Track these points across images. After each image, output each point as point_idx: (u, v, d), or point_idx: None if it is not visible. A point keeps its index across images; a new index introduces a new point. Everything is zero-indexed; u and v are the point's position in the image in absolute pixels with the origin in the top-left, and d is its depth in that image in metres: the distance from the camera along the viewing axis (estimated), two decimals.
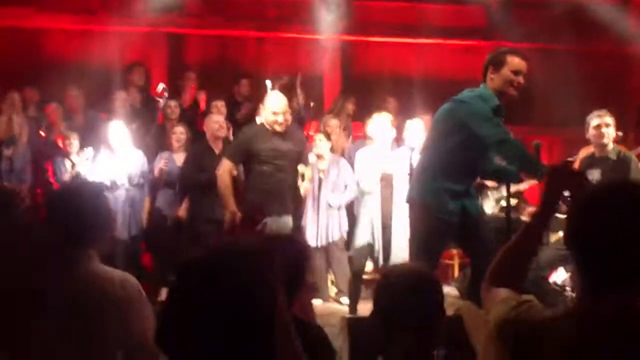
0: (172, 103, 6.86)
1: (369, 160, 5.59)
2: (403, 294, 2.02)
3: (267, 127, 5.27)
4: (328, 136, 6.41)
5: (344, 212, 6.30)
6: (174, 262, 6.47)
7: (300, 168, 5.49)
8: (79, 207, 2.33)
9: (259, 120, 5.97)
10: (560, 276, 6.37)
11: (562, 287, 6.41)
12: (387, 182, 5.54)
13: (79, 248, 2.32)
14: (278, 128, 5.21)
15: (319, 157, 6.18)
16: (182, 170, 6.34)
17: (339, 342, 4.00)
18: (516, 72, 3.97)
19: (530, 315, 1.67)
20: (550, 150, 8.69)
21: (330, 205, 6.20)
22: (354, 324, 3.42)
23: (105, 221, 2.43)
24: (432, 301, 2.06)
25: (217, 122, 6.32)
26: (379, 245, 5.55)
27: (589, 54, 8.46)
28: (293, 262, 2.07)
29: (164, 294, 6.33)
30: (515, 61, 3.97)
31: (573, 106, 7.17)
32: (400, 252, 5.44)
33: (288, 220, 5.36)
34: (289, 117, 5.39)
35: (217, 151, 6.18)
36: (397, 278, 2.09)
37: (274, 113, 5.20)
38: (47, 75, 7.85)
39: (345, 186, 6.21)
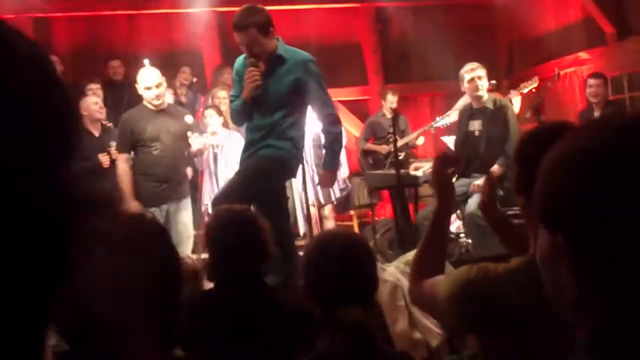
0: None
1: None
2: (340, 264, 1.83)
3: (149, 106, 5.07)
4: (218, 110, 6.28)
5: None
6: None
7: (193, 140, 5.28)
8: None
9: None
10: (454, 225, 6.63)
11: (457, 234, 6.67)
12: None
13: None
14: (155, 102, 4.99)
15: (212, 133, 6.06)
16: None
17: None
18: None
19: (486, 273, 1.66)
20: (433, 105, 8.98)
21: None
22: None
23: None
24: (370, 269, 1.92)
25: (96, 102, 6.02)
26: None
27: (457, 7, 8.76)
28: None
29: None
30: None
31: (449, 60, 7.43)
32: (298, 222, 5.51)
33: (187, 203, 5.27)
34: (164, 90, 5.20)
35: (96, 134, 5.86)
36: (330, 247, 1.89)
37: (147, 88, 4.98)
38: None
39: None
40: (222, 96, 6.60)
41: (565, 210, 0.87)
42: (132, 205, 4.99)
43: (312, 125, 5.90)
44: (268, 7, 8.27)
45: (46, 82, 0.49)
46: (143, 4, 8.08)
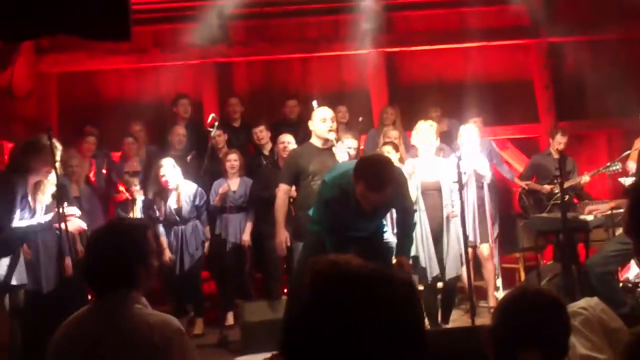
0: (217, 132, 6.89)
1: (408, 172, 5.58)
2: (545, 317, 1.96)
3: (316, 143, 5.29)
4: (395, 147, 6.24)
5: None
6: (237, 287, 6.63)
7: None
8: (117, 246, 2.28)
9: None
10: (633, 272, 6.17)
11: (635, 284, 6.19)
12: (433, 191, 5.49)
13: (119, 290, 2.26)
14: (328, 135, 5.19)
15: None
16: (251, 188, 6.55)
17: None
18: (363, 197, 4.15)
19: None
20: (610, 144, 8.48)
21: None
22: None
23: (146, 260, 2.33)
24: (563, 322, 2.02)
25: (283, 142, 6.47)
26: (426, 257, 5.39)
27: (637, 39, 8.24)
28: None
29: (230, 318, 6.46)
30: (361, 189, 4.11)
31: (628, 95, 6.99)
32: (454, 264, 5.41)
33: None
34: (336, 126, 5.35)
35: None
36: (530, 300, 2.03)
37: (323, 120, 5.22)
38: (106, 114, 8.17)
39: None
40: (394, 136, 6.68)
41: None
42: (283, 235, 5.25)
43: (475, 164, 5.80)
44: (436, 47, 8.45)
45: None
46: (315, 47, 8.49)
